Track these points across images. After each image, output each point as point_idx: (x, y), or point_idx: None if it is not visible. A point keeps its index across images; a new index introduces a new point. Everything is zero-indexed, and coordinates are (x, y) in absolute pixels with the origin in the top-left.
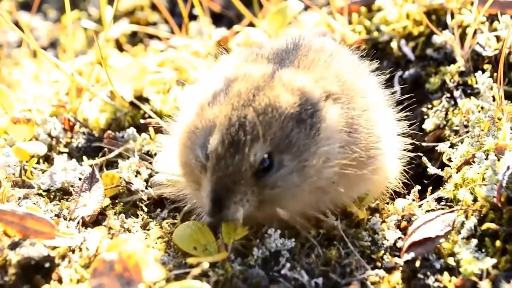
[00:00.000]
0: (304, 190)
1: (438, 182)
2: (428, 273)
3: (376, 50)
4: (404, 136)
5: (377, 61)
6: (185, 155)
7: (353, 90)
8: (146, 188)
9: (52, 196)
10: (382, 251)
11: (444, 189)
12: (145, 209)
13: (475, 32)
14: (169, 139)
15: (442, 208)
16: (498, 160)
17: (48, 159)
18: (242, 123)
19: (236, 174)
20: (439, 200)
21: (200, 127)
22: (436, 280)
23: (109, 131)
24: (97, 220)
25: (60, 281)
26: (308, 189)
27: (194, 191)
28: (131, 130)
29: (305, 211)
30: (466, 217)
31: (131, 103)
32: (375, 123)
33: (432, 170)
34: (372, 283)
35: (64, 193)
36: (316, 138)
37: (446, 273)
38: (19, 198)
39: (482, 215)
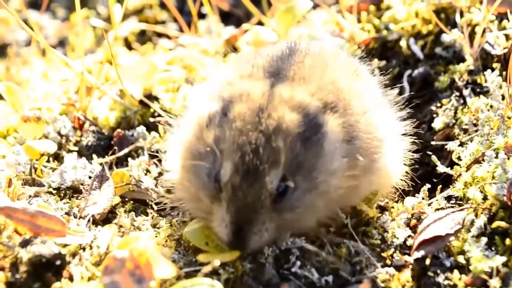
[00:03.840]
0: (319, 206)
1: (447, 180)
2: (438, 271)
3: (385, 49)
4: (413, 135)
5: (385, 60)
6: (191, 185)
7: (349, 94)
8: (156, 187)
9: (62, 194)
10: (392, 249)
11: (453, 187)
12: (155, 207)
13: (484, 31)
14: (171, 150)
15: (452, 207)
16: (508, 158)
17: (58, 157)
18: (255, 150)
19: (255, 204)
20: (448, 198)
21: (203, 154)
22: (446, 278)
23: (119, 130)
24: (107, 218)
25: (71, 278)
26: (322, 204)
27: (203, 218)
28: (141, 129)
29: (319, 222)
30: (476, 215)
31: (141, 102)
32: (375, 124)
33: (441, 168)
34: (382, 281)
35: (74, 191)
36: (322, 154)
37: (456, 271)
38: (30, 196)
39: (492, 214)
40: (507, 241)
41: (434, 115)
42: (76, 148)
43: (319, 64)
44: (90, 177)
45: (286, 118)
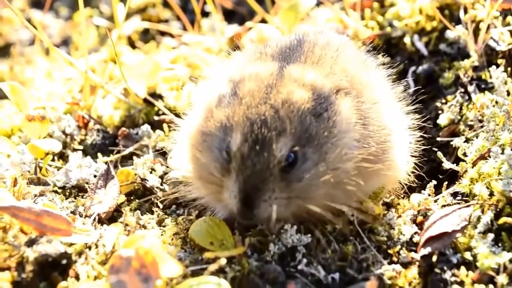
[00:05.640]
0: (326, 183)
1: (453, 177)
2: (445, 268)
3: (389, 46)
4: (418, 131)
5: (389, 57)
6: (201, 159)
7: (361, 84)
8: (161, 185)
9: (67, 193)
10: (399, 246)
11: (459, 183)
12: (161, 206)
13: (488, 27)
14: (177, 144)
15: (458, 203)
16: None
17: (63, 156)
18: (263, 120)
19: (264, 172)
20: (455, 195)
21: (212, 130)
22: (453, 274)
23: (124, 128)
24: (113, 217)
25: (77, 277)
26: (330, 181)
27: (212, 194)
28: (146, 127)
29: (325, 205)
30: (483, 211)
31: (145, 100)
32: (385, 116)
33: (447, 165)
34: (389, 278)
35: (79, 190)
36: (334, 131)
37: (463, 268)
38: (35, 196)
39: (498, 210)
40: None
41: (439, 112)
42: (81, 147)
43: (329, 53)
44: (95, 176)
45: (295, 94)
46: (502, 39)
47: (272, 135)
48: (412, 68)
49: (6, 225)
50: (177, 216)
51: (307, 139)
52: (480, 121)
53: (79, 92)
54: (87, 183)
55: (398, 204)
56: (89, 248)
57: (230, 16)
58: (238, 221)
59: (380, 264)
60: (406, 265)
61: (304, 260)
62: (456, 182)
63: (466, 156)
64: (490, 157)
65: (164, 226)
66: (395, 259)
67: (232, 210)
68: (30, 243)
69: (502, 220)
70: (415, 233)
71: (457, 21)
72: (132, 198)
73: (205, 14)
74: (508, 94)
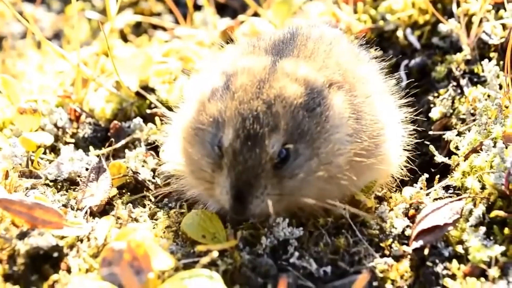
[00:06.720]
0: (319, 178)
1: (445, 170)
2: (437, 261)
3: (381, 39)
4: (411, 125)
5: (382, 50)
6: (193, 154)
7: (354, 78)
8: (153, 178)
9: (59, 186)
10: (391, 239)
11: (451, 177)
12: (153, 199)
13: (481, 21)
14: (169, 137)
15: (450, 196)
16: (506, 147)
17: (54, 149)
18: (255, 116)
19: (256, 168)
20: (447, 188)
21: (205, 124)
22: (445, 268)
23: (115, 121)
24: (105, 210)
25: (68, 270)
26: (322, 177)
27: (204, 189)
28: (138, 120)
29: (317, 200)
30: (474, 204)
31: (137, 93)
32: (378, 110)
33: (439, 158)
34: (381, 271)
35: (71, 183)
36: (326, 126)
37: (454, 261)
38: (27, 188)
39: (490, 203)
40: (506, 230)
41: (432, 105)
42: (73, 140)
43: (322, 46)
44: (87, 169)
45: (287, 89)
46: (494, 32)
47: (265, 131)
48: (405, 62)
49: None
50: (169, 209)
51: (299, 135)
52: (472, 114)
53: (71, 85)
54: (79, 176)
55: (390, 197)
56: (81, 241)
57: (222, 9)
58: (230, 216)
59: (372, 257)
60: (398, 258)
61: (296, 253)
62: (448, 175)
63: (458, 149)
64: (482, 150)
65: (156, 219)
66: (387, 252)
67: (224, 206)
68: (22, 236)
69: (494, 213)
70: (407, 226)
71: (450, 15)
72: (124, 191)
73: (197, 7)
74: (500, 87)
